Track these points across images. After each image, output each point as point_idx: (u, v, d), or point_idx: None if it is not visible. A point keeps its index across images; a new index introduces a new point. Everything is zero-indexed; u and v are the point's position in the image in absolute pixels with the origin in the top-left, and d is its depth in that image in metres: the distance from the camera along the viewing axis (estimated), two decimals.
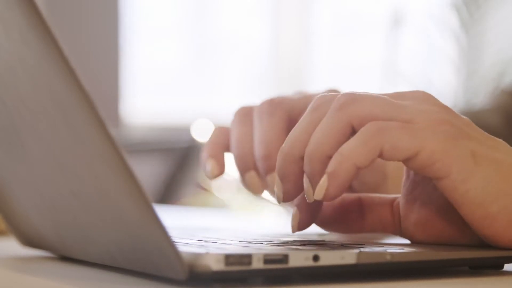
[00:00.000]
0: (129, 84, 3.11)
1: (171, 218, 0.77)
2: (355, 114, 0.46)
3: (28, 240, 0.56)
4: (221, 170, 0.61)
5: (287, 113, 0.62)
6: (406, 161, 0.46)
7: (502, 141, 0.49)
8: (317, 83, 3.65)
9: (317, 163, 0.46)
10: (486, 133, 0.48)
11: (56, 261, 0.53)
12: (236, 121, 0.63)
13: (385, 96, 0.48)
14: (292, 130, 0.49)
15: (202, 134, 2.45)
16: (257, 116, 0.62)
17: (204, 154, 0.62)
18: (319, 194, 0.46)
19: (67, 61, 0.39)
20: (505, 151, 0.48)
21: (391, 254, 0.43)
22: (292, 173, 0.48)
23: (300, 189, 0.49)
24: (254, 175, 0.61)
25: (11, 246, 0.61)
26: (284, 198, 0.49)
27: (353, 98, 0.47)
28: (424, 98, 0.48)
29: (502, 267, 0.48)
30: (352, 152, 0.45)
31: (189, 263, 0.39)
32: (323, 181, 0.46)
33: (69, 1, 2.92)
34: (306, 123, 0.48)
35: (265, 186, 0.62)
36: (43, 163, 0.46)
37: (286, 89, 3.58)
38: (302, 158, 0.48)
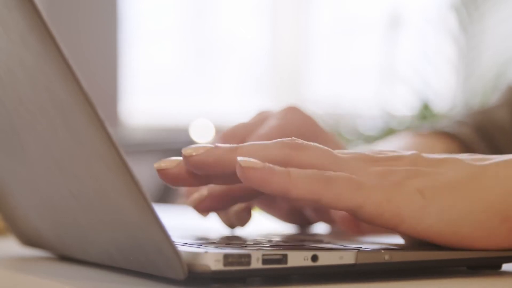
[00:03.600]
0: (128, 85, 3.11)
1: (171, 218, 0.77)
2: (298, 159, 0.45)
3: (27, 240, 0.57)
4: None
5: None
6: (351, 212, 0.44)
7: (452, 156, 0.47)
8: (315, 85, 3.65)
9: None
10: (434, 156, 0.47)
11: (55, 261, 0.53)
12: None
13: (329, 149, 0.46)
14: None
15: (200, 134, 2.45)
16: None
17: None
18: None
19: (66, 62, 0.39)
20: (454, 167, 0.46)
21: (390, 254, 0.43)
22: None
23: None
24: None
25: (10, 246, 0.61)
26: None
27: (301, 145, 0.45)
28: (363, 153, 0.47)
29: (500, 267, 0.48)
30: (301, 180, 0.43)
31: (188, 263, 0.39)
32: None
33: (69, 2, 2.92)
34: None
35: None
36: (42, 164, 0.46)
37: (284, 90, 3.58)
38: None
